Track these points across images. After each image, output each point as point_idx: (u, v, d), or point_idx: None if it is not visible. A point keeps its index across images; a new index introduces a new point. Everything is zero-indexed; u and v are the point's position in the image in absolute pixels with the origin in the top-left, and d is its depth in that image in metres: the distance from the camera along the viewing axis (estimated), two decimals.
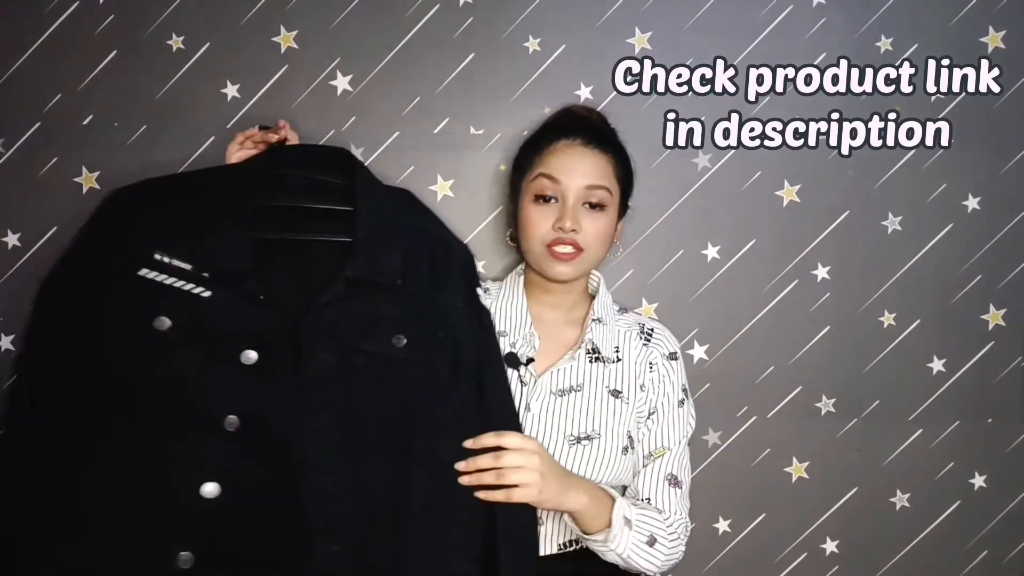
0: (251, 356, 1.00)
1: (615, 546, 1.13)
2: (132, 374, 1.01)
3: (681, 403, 1.27)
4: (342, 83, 1.43)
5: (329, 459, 1.01)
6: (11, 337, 1.45)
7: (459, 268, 1.17)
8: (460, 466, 1.07)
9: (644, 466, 1.24)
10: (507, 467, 1.05)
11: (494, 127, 1.44)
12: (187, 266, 1.03)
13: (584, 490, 1.12)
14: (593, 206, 1.22)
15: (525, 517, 1.10)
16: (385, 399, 1.05)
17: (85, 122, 1.42)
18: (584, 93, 1.44)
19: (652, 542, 1.16)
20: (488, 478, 1.06)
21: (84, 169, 1.43)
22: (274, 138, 1.19)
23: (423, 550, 1.03)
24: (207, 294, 1.02)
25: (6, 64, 1.41)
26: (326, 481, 1.01)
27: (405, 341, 1.07)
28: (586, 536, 1.15)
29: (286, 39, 1.42)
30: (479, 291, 1.22)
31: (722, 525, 1.50)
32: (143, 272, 1.02)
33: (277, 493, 0.99)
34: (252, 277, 1.03)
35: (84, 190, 1.43)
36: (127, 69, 1.42)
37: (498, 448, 1.07)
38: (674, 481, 1.23)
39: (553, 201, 1.22)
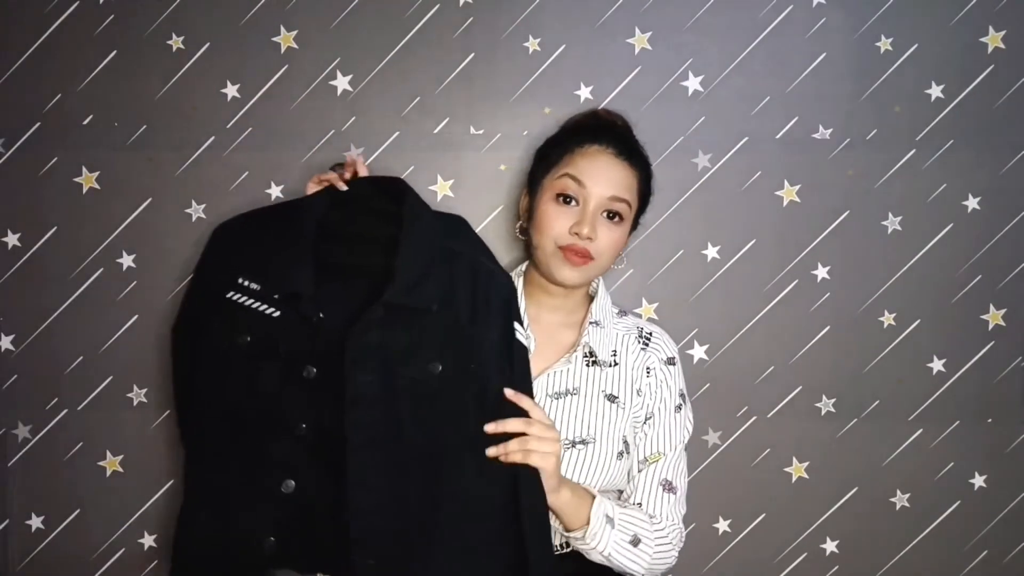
0: (312, 371, 1.11)
1: (596, 544, 1.14)
2: (226, 383, 1.15)
3: (678, 408, 1.27)
4: (342, 83, 1.43)
5: (368, 474, 1.09)
6: (11, 337, 1.45)
7: (499, 301, 1.18)
8: (489, 428, 1.11)
9: (639, 471, 1.24)
10: (533, 436, 1.10)
11: (494, 127, 1.44)
12: (260, 288, 1.16)
13: (568, 487, 1.15)
14: (611, 216, 1.21)
15: (546, 530, 1.14)
16: (419, 423, 1.12)
17: (85, 122, 1.42)
18: (584, 93, 1.44)
19: (636, 542, 1.16)
20: (513, 445, 1.09)
21: (84, 169, 1.43)
22: (347, 175, 1.22)
23: (450, 566, 1.11)
24: (276, 314, 1.14)
25: (6, 64, 1.41)
26: (365, 496, 1.09)
27: (440, 368, 1.12)
28: (567, 534, 1.16)
29: (286, 39, 1.42)
30: (519, 328, 1.21)
31: (722, 525, 1.50)
32: (230, 295, 1.16)
33: (332, 493, 1.10)
34: (309, 299, 1.13)
35: (84, 190, 1.43)
36: (127, 69, 1.42)
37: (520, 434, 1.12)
38: (668, 487, 1.23)
39: (574, 203, 1.21)
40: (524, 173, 1.38)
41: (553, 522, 1.15)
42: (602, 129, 1.27)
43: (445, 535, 1.11)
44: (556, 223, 1.21)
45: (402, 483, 1.11)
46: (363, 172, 1.22)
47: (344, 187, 1.19)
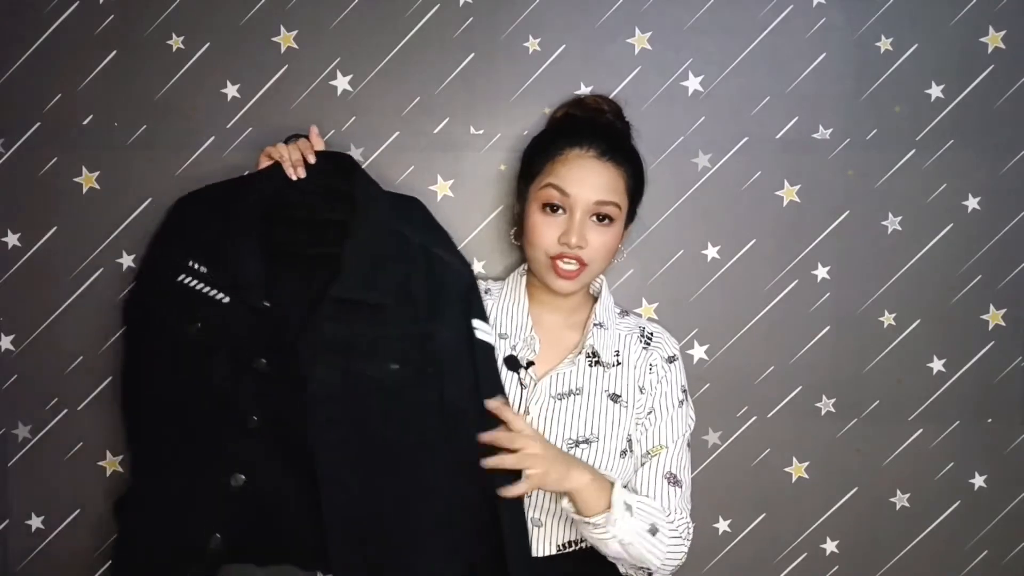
0: (262, 363, 1.07)
1: (616, 531, 1.10)
2: (176, 372, 1.11)
3: (680, 403, 1.27)
4: (342, 83, 1.43)
5: (340, 472, 1.07)
6: (11, 337, 1.45)
7: (455, 295, 1.13)
8: (485, 437, 1.08)
9: (642, 464, 1.23)
10: (527, 454, 1.08)
11: (494, 127, 1.44)
12: (207, 272, 1.10)
13: (586, 469, 1.12)
14: (601, 219, 1.20)
15: (522, 521, 1.12)
16: (384, 420, 1.09)
17: (85, 122, 1.42)
18: (584, 93, 1.43)
19: (654, 531, 1.14)
20: (509, 461, 1.07)
21: (84, 169, 1.43)
22: (311, 158, 1.17)
23: (427, 561, 1.09)
24: (226, 300, 1.09)
25: (6, 64, 1.41)
26: (340, 493, 1.06)
27: (397, 368, 1.08)
28: (586, 520, 1.11)
29: (286, 39, 1.42)
30: (486, 325, 1.17)
31: (722, 525, 1.50)
32: (181, 278, 1.10)
33: (292, 486, 1.08)
34: (254, 286, 1.08)
35: (84, 190, 1.43)
36: (127, 69, 1.42)
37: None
38: (673, 480, 1.22)
39: (560, 212, 1.20)
40: None
41: (566, 504, 1.13)
42: (584, 128, 1.25)
43: (421, 531, 1.08)
44: (545, 234, 1.19)
45: (375, 479, 1.08)
46: (319, 146, 1.18)
47: (297, 176, 1.14)
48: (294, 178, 1.15)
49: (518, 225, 1.30)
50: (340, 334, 1.07)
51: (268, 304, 1.07)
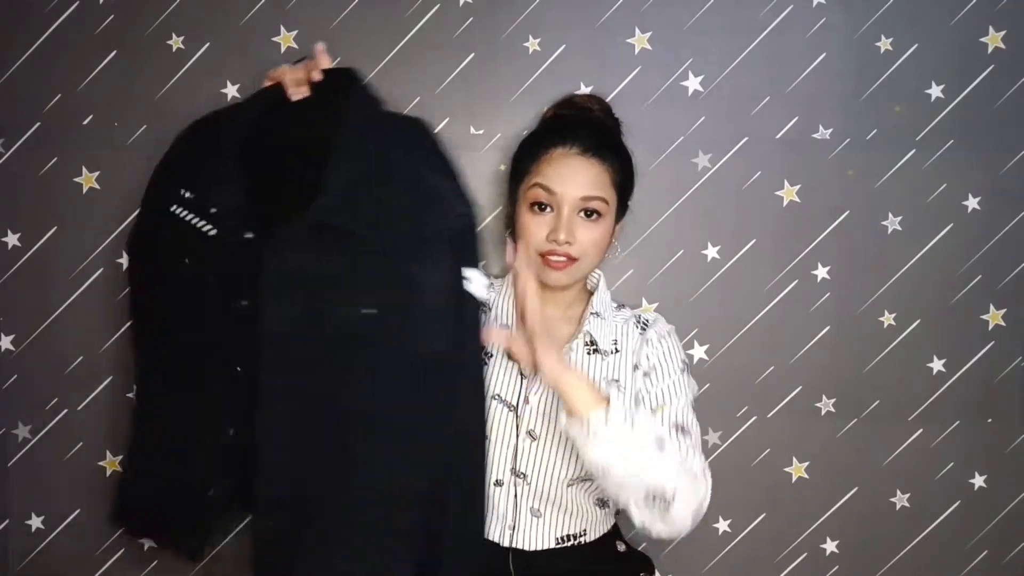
0: (243, 304, 0.98)
1: (613, 431, 0.99)
2: (171, 311, 1.04)
3: (682, 371, 1.23)
4: None
5: (277, 428, 0.96)
6: (11, 337, 1.45)
7: (450, 234, 0.96)
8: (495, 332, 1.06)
9: None
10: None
11: (494, 127, 1.44)
12: (193, 199, 1.03)
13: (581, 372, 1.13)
14: (588, 214, 1.21)
15: (474, 521, 1.04)
16: (340, 373, 0.94)
17: (85, 122, 1.42)
18: (591, 93, 1.43)
19: (661, 445, 1.03)
20: (519, 345, 1.06)
21: (84, 169, 1.43)
22: (316, 75, 1.05)
23: (354, 539, 0.97)
24: (212, 232, 1.00)
25: (6, 64, 1.41)
26: (271, 452, 0.97)
27: (375, 313, 0.93)
28: (581, 419, 1.01)
29: (286, 39, 1.42)
30: (479, 275, 1.03)
31: (722, 525, 1.50)
32: (174, 208, 1.02)
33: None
34: (235, 216, 1.00)
35: (84, 190, 1.43)
36: (127, 69, 1.42)
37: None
38: (681, 430, 1.15)
39: (548, 210, 1.21)
40: None
41: (563, 420, 1.04)
42: (569, 126, 1.26)
43: (352, 513, 0.96)
44: (535, 232, 1.21)
45: (314, 443, 0.96)
46: (326, 65, 1.07)
47: (298, 96, 1.03)
48: (295, 99, 1.04)
49: (511, 226, 1.30)
50: (307, 266, 0.94)
51: (251, 236, 0.99)
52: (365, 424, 0.95)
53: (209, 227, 1.00)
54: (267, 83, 1.10)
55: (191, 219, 1.01)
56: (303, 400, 0.96)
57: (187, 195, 1.02)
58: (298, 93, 1.06)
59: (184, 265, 1.01)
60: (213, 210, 1.00)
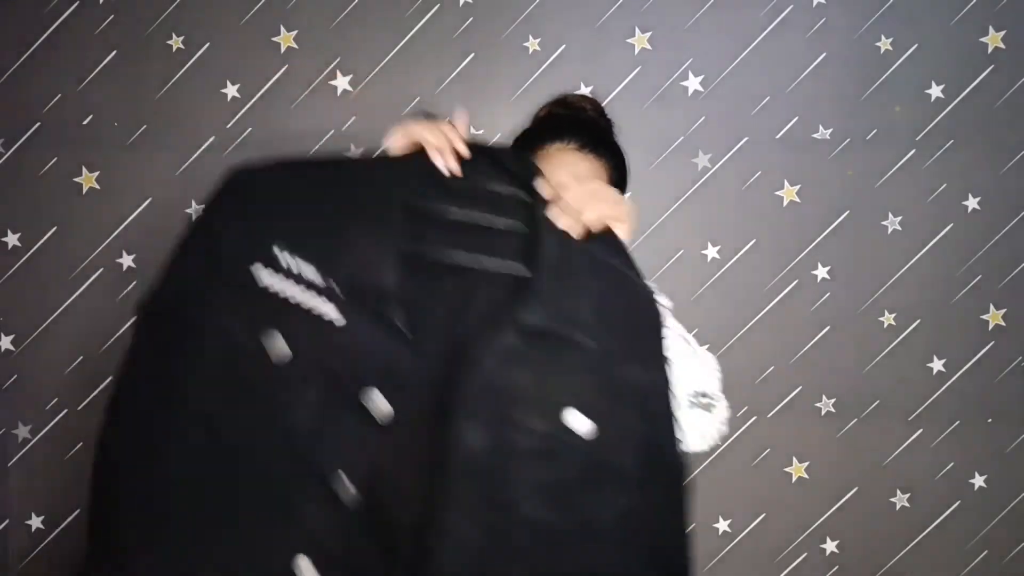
0: (382, 407, 0.77)
1: None
2: (224, 401, 0.78)
3: (685, 340, 1.20)
4: (342, 83, 1.43)
5: (465, 571, 0.75)
6: (11, 337, 1.45)
7: (656, 329, 0.84)
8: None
9: None
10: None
11: (494, 127, 1.44)
12: (314, 271, 0.78)
13: None
14: None
15: None
16: (545, 497, 0.76)
17: (85, 122, 1.42)
18: (584, 93, 1.43)
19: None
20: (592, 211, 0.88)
21: (84, 169, 1.43)
22: (462, 148, 0.90)
23: None
24: (335, 314, 0.77)
25: (6, 64, 1.41)
26: None
27: (593, 427, 0.76)
28: None
29: (286, 39, 1.42)
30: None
31: (722, 525, 1.50)
32: (256, 268, 0.78)
33: None
34: (395, 301, 0.78)
35: (84, 190, 1.43)
36: (127, 69, 1.42)
37: None
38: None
39: None
40: None
41: None
42: (565, 123, 1.25)
43: None
44: None
45: None
46: (465, 133, 0.92)
47: (450, 171, 0.86)
48: (446, 172, 0.88)
49: None
50: (505, 377, 0.77)
51: (401, 329, 0.78)
52: (588, 542, 0.77)
53: (331, 307, 0.77)
54: (401, 139, 0.92)
55: (291, 291, 0.78)
56: (498, 534, 0.75)
57: (287, 256, 0.78)
58: (447, 165, 0.90)
59: (274, 344, 0.77)
60: (336, 287, 0.77)
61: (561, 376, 0.78)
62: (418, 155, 0.88)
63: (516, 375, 0.76)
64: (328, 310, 0.78)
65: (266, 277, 0.78)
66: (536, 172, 0.86)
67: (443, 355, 0.77)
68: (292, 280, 0.78)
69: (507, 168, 0.87)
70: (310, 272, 0.79)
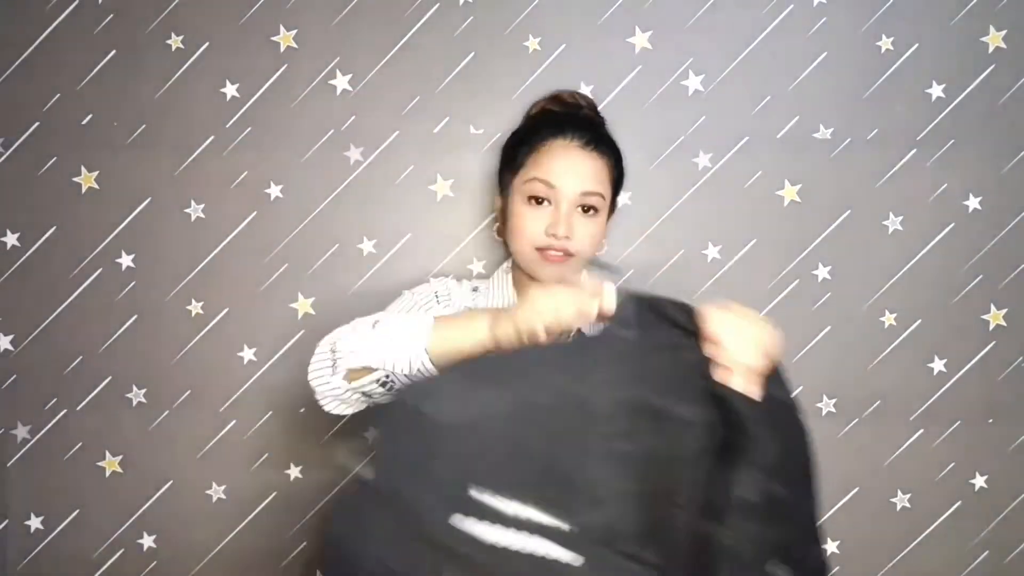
0: None
1: None
2: None
3: None
4: (342, 83, 1.43)
5: None
6: (11, 337, 1.45)
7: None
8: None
9: None
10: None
11: (494, 127, 1.44)
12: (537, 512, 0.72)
13: None
14: (586, 210, 1.19)
15: None
16: None
17: (85, 122, 1.42)
18: (584, 93, 1.43)
19: None
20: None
21: (84, 169, 1.43)
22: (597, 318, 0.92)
23: None
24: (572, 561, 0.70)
25: (6, 64, 1.41)
26: None
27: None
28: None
29: (286, 38, 1.42)
30: (473, 295, 1.10)
31: None
32: (459, 522, 0.71)
33: None
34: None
35: (83, 190, 1.43)
36: (127, 69, 1.42)
37: None
38: None
39: (546, 203, 1.19)
40: None
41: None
42: (566, 119, 1.24)
43: None
44: (530, 226, 1.18)
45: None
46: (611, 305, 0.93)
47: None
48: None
49: (500, 220, 1.28)
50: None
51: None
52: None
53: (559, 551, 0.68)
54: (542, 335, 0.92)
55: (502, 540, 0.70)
56: None
57: (489, 503, 0.70)
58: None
59: None
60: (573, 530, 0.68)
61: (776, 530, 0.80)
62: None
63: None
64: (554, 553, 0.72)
65: (470, 527, 0.72)
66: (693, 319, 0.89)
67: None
68: (507, 522, 0.72)
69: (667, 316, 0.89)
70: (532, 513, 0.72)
